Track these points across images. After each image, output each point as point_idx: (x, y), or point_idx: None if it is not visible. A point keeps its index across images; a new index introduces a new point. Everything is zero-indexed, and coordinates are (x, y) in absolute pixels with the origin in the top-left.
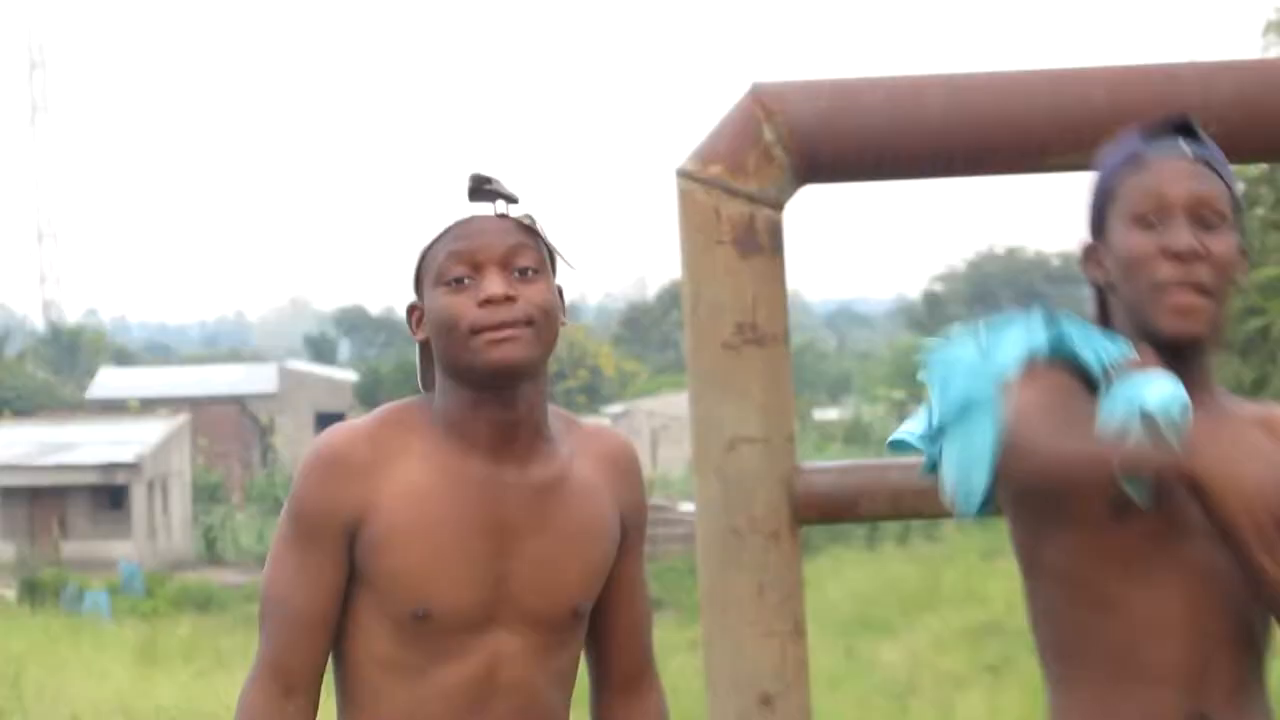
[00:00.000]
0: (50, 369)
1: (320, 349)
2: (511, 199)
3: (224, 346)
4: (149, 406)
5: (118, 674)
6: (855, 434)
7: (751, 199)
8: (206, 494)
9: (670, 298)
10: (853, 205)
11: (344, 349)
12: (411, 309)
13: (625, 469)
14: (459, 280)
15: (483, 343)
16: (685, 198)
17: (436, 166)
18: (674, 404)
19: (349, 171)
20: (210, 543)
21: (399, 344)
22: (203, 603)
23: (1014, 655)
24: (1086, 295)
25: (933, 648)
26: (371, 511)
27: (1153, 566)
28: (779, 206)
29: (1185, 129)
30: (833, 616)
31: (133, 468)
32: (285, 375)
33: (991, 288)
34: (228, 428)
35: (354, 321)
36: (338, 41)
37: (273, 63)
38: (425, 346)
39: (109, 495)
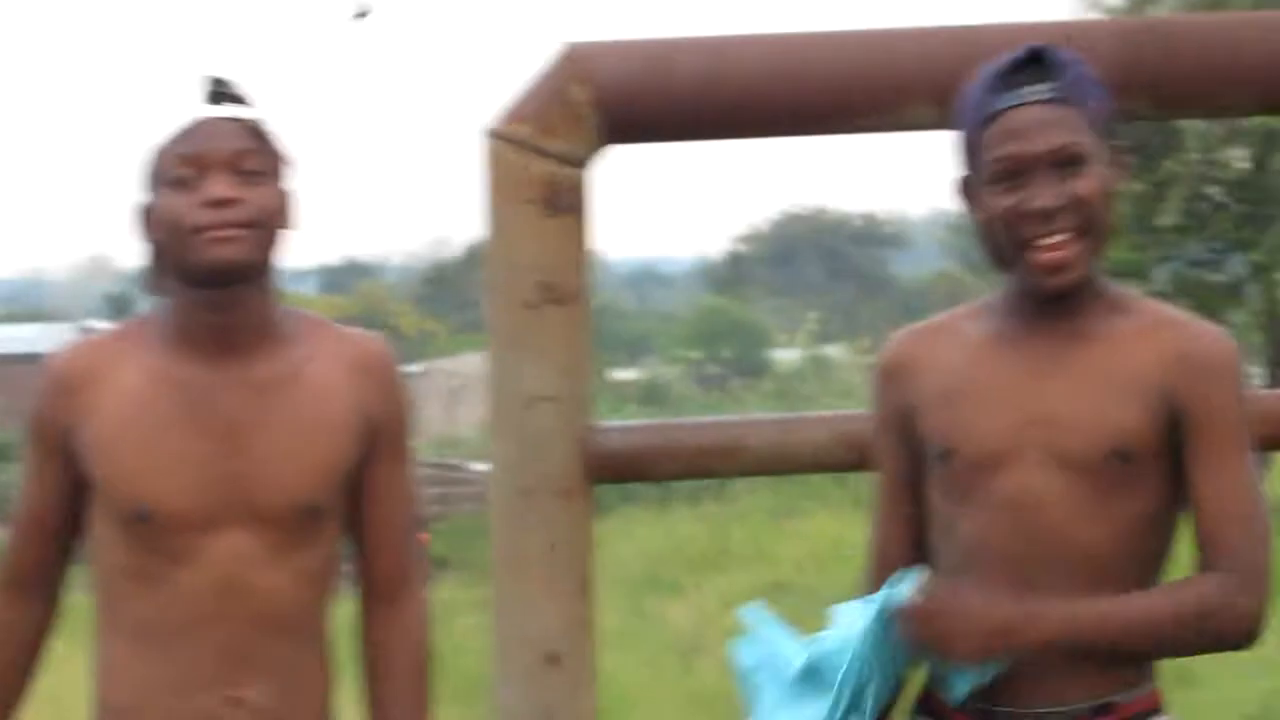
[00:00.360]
0: None
1: (121, 307)
2: (245, 102)
3: (22, 305)
4: None
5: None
6: (652, 394)
7: (559, 159)
8: (1, 453)
9: (474, 258)
10: (656, 165)
11: (144, 308)
12: (142, 208)
13: (373, 371)
14: (184, 180)
15: (202, 241)
16: (492, 157)
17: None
18: (472, 364)
19: (150, 127)
20: (2, 501)
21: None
22: None
23: (802, 614)
24: (884, 258)
25: (721, 607)
26: (90, 417)
27: (972, 498)
28: (585, 166)
29: (1037, 61)
30: (622, 576)
31: None
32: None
33: (795, 248)
34: (27, 387)
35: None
36: None
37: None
38: (152, 248)
39: None
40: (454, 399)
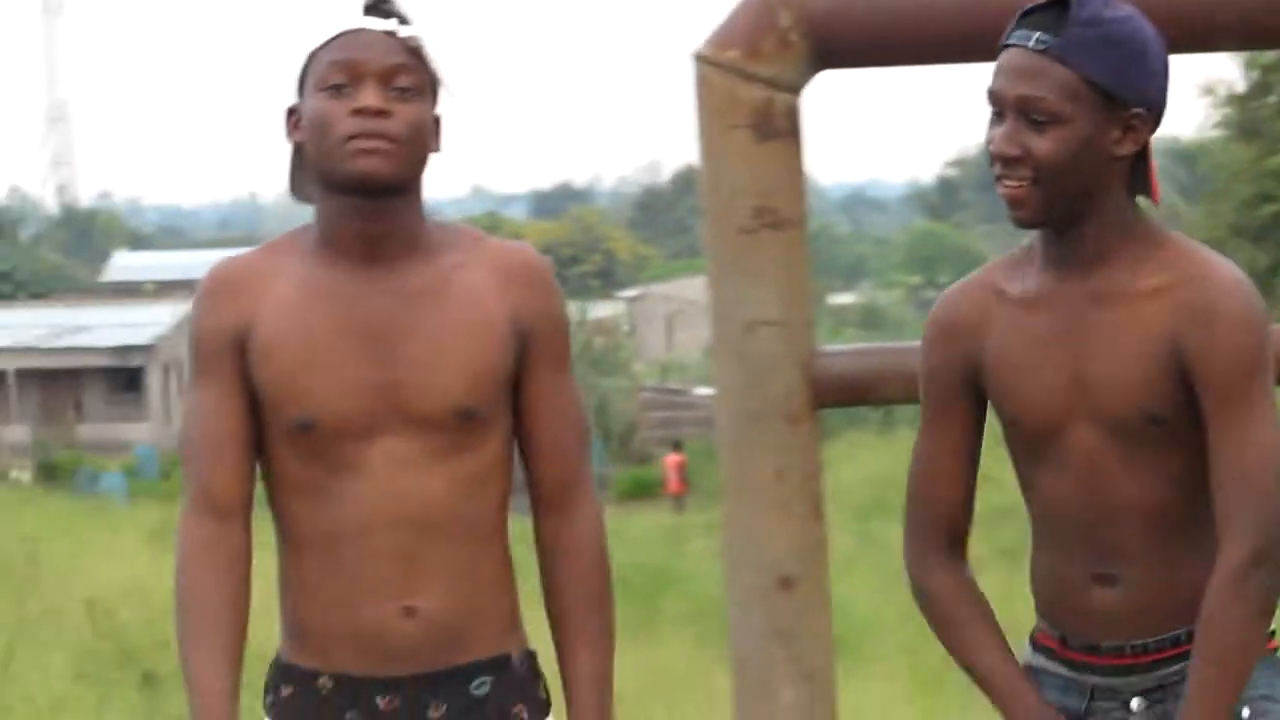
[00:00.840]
0: (64, 252)
1: None
2: (404, 20)
3: (238, 230)
4: (164, 290)
5: (132, 556)
6: (870, 319)
7: (769, 84)
8: None
9: (685, 182)
10: (868, 90)
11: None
12: (291, 111)
13: (526, 277)
14: (337, 87)
15: (350, 150)
16: (702, 82)
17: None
18: (688, 288)
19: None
20: None
21: None
22: None
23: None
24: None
25: None
26: (251, 327)
27: (1042, 460)
28: (796, 91)
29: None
30: (848, 500)
31: (148, 350)
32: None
33: None
34: None
35: None
36: None
37: None
38: (299, 151)
39: (124, 378)
40: (671, 324)
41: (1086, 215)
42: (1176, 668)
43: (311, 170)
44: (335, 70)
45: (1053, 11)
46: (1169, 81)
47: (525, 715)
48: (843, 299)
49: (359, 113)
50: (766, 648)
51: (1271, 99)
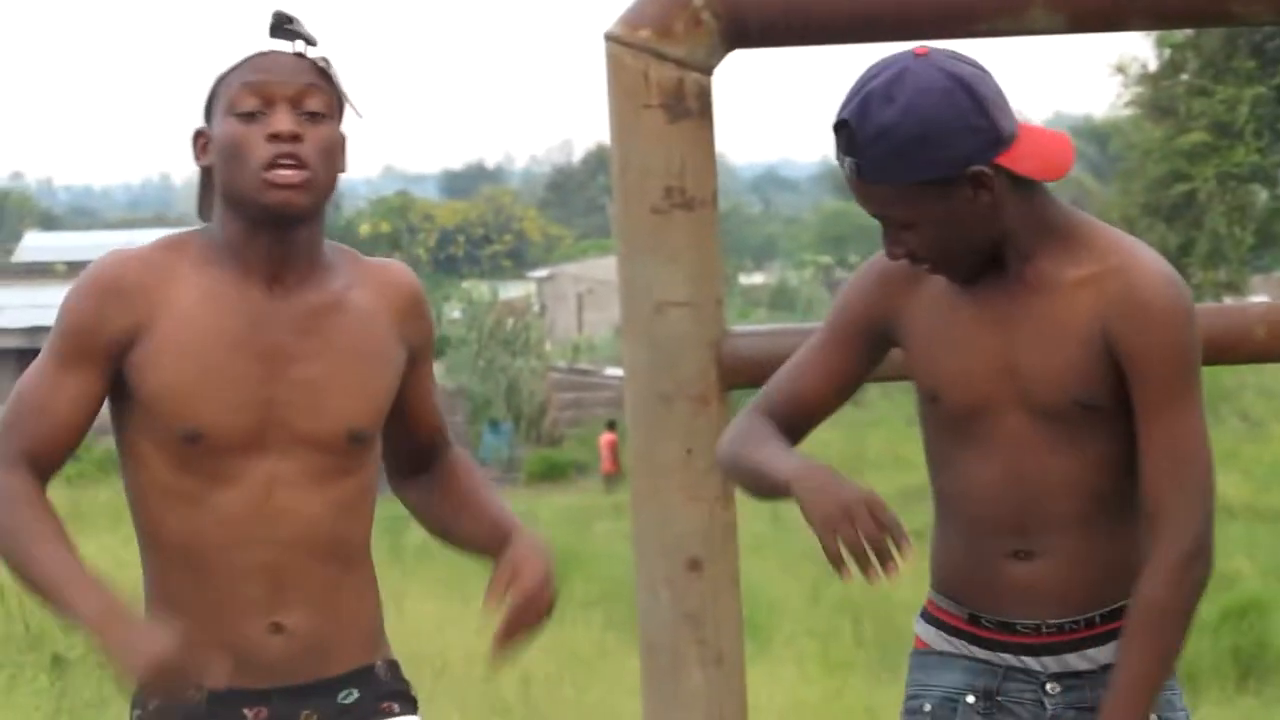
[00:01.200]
0: None
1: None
2: (311, 41)
3: (149, 210)
4: (75, 271)
5: None
6: (781, 299)
7: (680, 63)
8: None
9: (597, 162)
10: (779, 69)
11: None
12: (198, 135)
13: (406, 295)
14: (250, 114)
15: (266, 181)
16: (613, 61)
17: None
18: (599, 268)
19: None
20: None
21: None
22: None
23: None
24: None
25: None
26: (142, 331)
27: (967, 440)
28: (708, 71)
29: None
30: None
31: None
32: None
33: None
34: None
35: None
36: None
37: None
38: (207, 173)
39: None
40: (582, 303)
41: (1001, 243)
42: (1092, 651)
43: (221, 192)
44: (246, 93)
45: (845, 130)
46: (988, 110)
47: (396, 709)
48: (754, 279)
49: (274, 138)
50: (675, 630)
51: (1183, 78)
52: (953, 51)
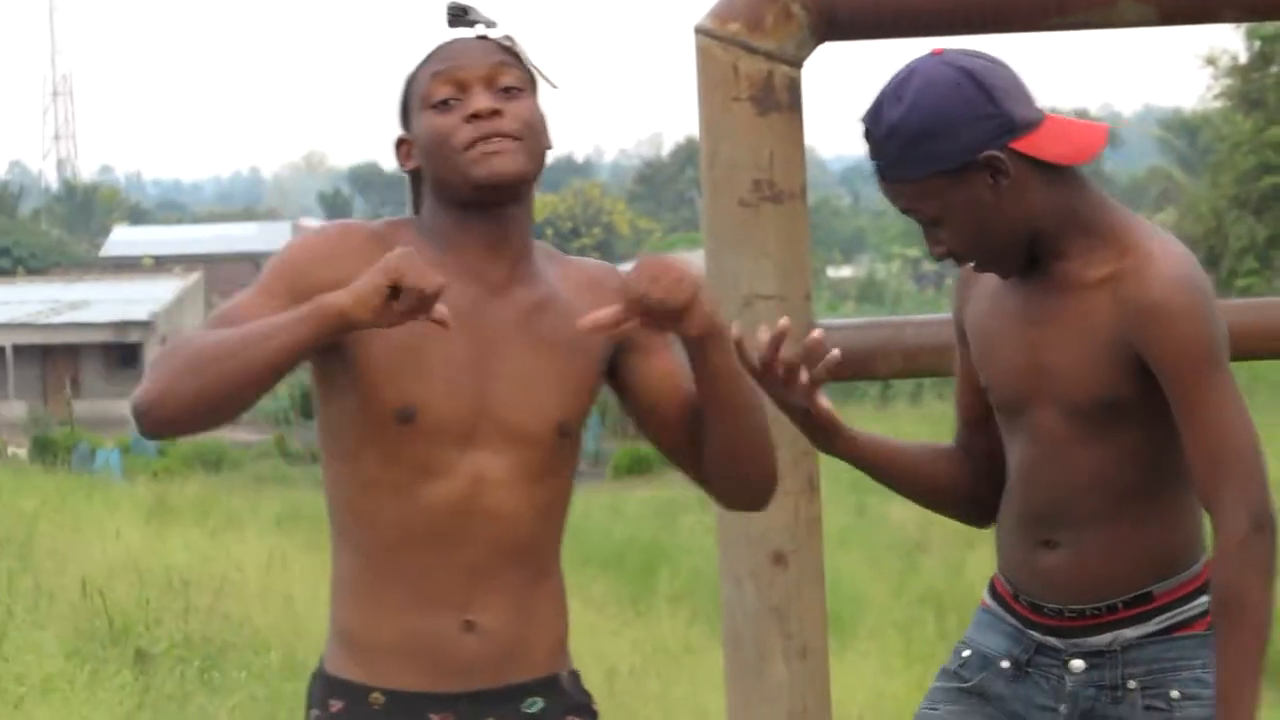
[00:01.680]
0: (64, 227)
1: (334, 206)
2: (490, 23)
3: (238, 204)
4: (163, 264)
5: (129, 533)
6: (869, 292)
7: (770, 56)
8: None
9: (685, 155)
10: (870, 61)
11: (358, 206)
12: (400, 142)
13: (612, 288)
14: (445, 102)
15: (474, 156)
16: (703, 54)
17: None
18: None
19: (367, 24)
20: None
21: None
22: (214, 461)
23: None
24: (1108, 156)
25: None
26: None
27: (1012, 429)
28: (797, 64)
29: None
30: (844, 475)
31: (146, 325)
32: (299, 232)
33: None
34: (241, 285)
35: (368, 178)
36: None
37: None
38: (416, 177)
39: (122, 353)
40: None
41: (1036, 236)
42: (1111, 636)
43: (432, 187)
44: (438, 83)
45: (866, 134)
46: (997, 98)
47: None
48: (842, 272)
49: (474, 118)
50: (760, 623)
51: (1273, 70)
52: (970, 49)
